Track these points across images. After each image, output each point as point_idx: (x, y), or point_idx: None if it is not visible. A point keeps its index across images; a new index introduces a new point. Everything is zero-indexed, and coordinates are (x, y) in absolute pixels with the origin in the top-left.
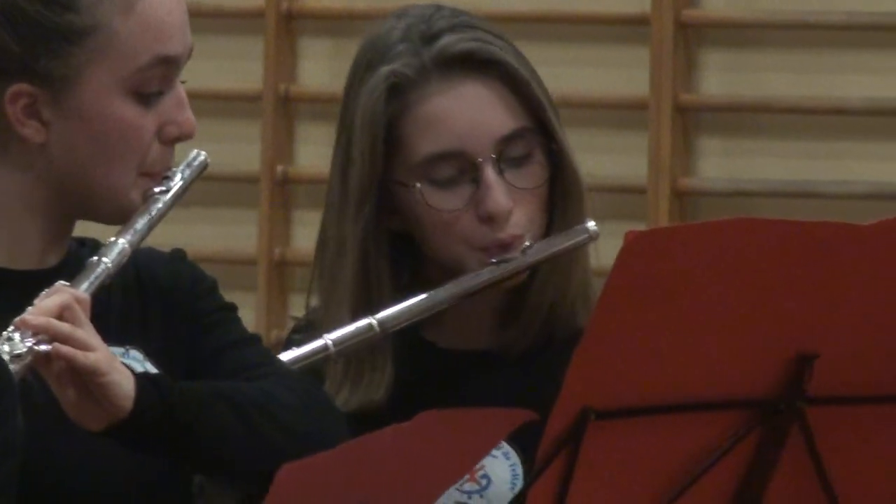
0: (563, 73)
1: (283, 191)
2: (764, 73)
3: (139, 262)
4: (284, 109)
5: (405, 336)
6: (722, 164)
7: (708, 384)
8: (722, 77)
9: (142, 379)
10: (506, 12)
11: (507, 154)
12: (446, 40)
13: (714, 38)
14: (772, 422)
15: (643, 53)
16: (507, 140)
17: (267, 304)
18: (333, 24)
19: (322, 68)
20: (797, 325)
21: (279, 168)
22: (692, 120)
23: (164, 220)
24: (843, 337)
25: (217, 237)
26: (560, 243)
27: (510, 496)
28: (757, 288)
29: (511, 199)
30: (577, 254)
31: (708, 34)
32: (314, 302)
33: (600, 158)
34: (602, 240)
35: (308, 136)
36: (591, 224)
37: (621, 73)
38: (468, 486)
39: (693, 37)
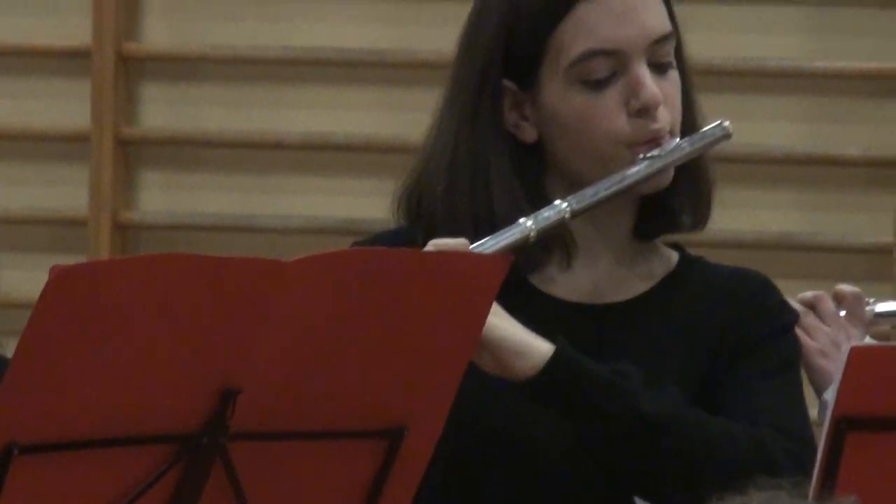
0: (1, 105)
1: None
2: (205, 107)
3: None
4: None
5: None
6: (163, 198)
7: (135, 419)
8: (163, 110)
9: None
10: None
11: None
12: None
13: (155, 71)
14: (195, 456)
15: (84, 86)
16: None
17: None
18: None
19: None
20: (222, 360)
21: None
22: (133, 153)
23: None
24: (267, 372)
25: None
26: None
27: None
28: (183, 323)
29: None
30: None
31: (149, 67)
32: None
33: (40, 192)
34: (40, 274)
35: None
36: None
37: (62, 106)
38: None
39: (134, 70)
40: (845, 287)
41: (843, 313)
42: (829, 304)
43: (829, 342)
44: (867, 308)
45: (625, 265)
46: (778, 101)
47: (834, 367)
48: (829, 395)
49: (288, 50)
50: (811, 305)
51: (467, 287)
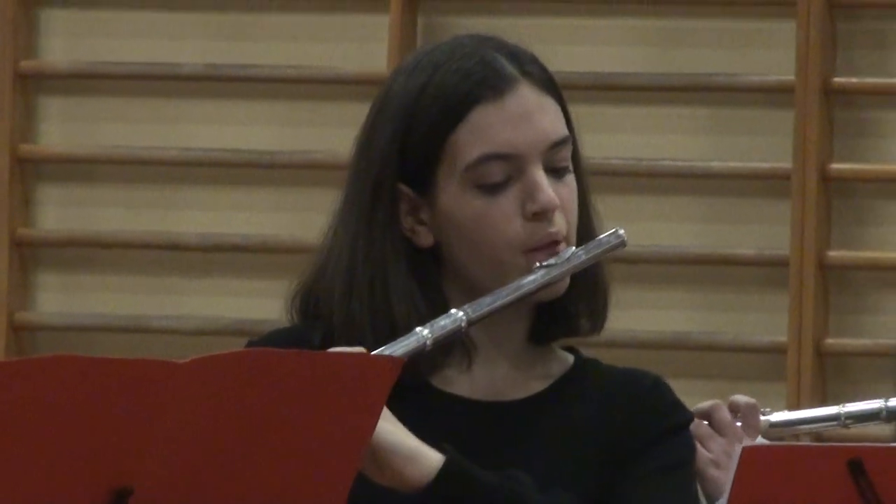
0: None
1: None
2: (101, 208)
3: None
4: None
5: None
6: (59, 299)
7: None
8: (59, 212)
9: None
10: None
11: None
12: None
13: (50, 173)
14: None
15: None
16: None
17: None
18: None
19: None
20: (114, 460)
21: None
22: (29, 254)
23: None
24: (159, 472)
25: None
26: None
27: None
28: (76, 423)
29: None
30: None
31: (45, 169)
32: None
33: None
34: None
35: None
36: None
37: None
38: None
39: (30, 171)
40: (740, 397)
41: (738, 424)
42: (724, 414)
43: (722, 452)
44: (762, 418)
45: (522, 367)
46: (672, 202)
47: (727, 477)
48: None
49: (183, 151)
50: (706, 415)
51: (359, 388)
